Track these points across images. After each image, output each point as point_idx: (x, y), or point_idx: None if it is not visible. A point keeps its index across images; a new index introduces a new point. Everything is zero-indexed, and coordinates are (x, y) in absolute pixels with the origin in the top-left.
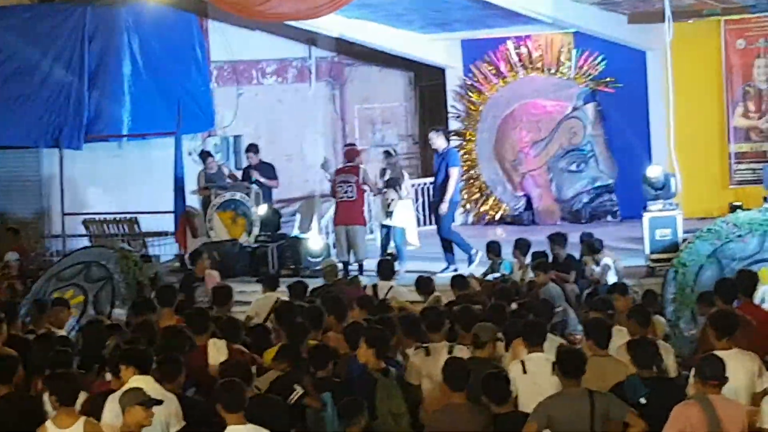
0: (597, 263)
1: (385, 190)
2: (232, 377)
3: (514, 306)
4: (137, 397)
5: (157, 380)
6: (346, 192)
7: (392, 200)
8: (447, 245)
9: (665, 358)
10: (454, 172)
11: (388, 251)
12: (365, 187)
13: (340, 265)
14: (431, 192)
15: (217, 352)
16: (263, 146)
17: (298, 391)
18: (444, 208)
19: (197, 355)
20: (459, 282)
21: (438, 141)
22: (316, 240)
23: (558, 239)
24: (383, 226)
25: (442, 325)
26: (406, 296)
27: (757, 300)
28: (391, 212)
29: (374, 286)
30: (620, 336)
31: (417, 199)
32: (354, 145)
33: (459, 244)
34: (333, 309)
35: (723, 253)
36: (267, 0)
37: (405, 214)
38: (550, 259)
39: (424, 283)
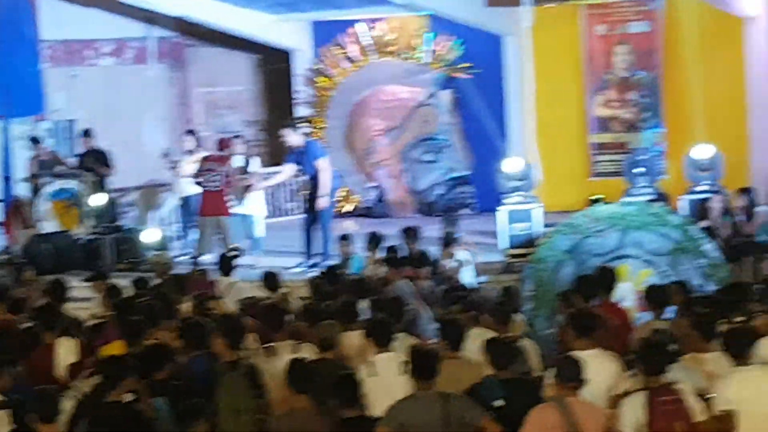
0: (452, 258)
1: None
2: None
3: (365, 303)
4: None
5: None
6: (212, 181)
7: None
8: (309, 239)
9: (530, 358)
10: (325, 164)
11: (233, 245)
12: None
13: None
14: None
15: (66, 351)
16: (99, 132)
17: (128, 396)
18: (324, 202)
19: (42, 354)
20: (332, 276)
21: (292, 138)
22: (153, 233)
23: (410, 233)
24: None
25: (283, 323)
26: (248, 293)
27: (617, 298)
28: (242, 199)
29: (213, 283)
30: (481, 336)
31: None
32: (193, 132)
33: (327, 242)
34: (163, 306)
35: (582, 248)
36: None
37: (259, 201)
38: (405, 253)
39: (271, 279)
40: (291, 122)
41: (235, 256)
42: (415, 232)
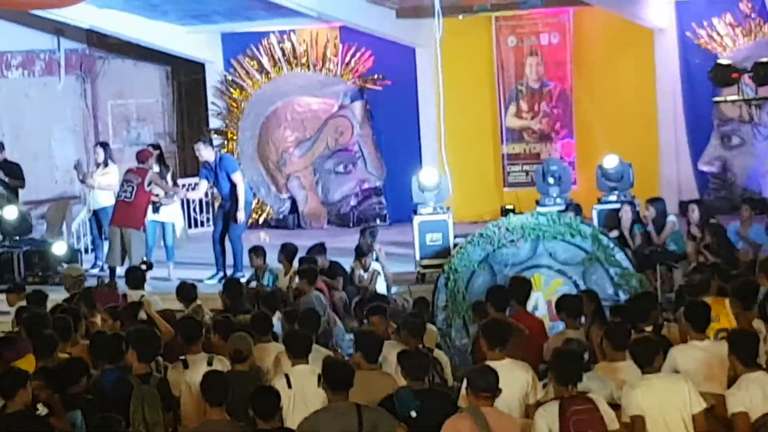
0: (365, 269)
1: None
2: None
3: (278, 315)
4: None
5: None
6: (125, 191)
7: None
8: (222, 251)
9: (445, 368)
10: (239, 178)
11: (144, 259)
12: (155, 190)
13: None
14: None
15: None
16: (8, 144)
17: (41, 410)
18: (241, 216)
19: None
20: (233, 288)
21: (206, 152)
22: (61, 245)
23: (317, 249)
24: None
25: (199, 335)
26: (159, 306)
27: (530, 307)
28: (158, 207)
29: (124, 296)
30: (395, 348)
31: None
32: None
33: (236, 255)
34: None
35: (495, 258)
36: None
37: (172, 208)
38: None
39: (186, 291)
40: (204, 137)
41: (146, 269)
42: (321, 246)
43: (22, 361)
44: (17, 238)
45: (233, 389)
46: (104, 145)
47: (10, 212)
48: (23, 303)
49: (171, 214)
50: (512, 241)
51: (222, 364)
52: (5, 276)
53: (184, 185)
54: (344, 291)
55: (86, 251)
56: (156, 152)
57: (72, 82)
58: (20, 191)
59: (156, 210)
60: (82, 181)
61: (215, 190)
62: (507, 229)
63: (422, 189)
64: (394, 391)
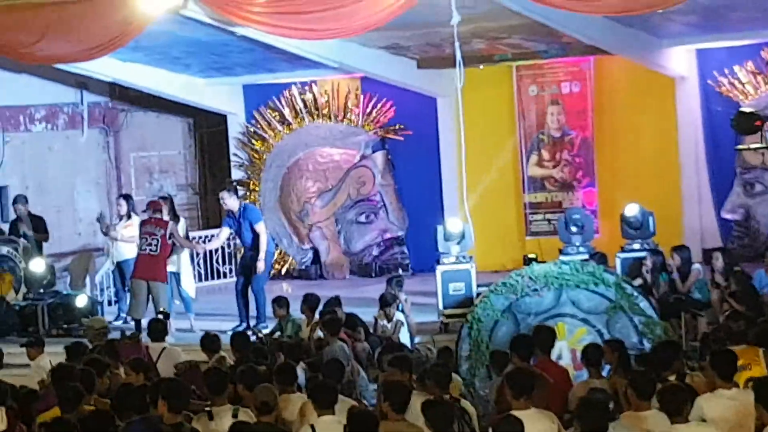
0: (389, 319)
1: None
2: None
3: (302, 366)
4: None
5: None
6: (150, 244)
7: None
8: (245, 302)
9: (472, 418)
10: (262, 228)
11: (161, 309)
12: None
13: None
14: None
15: None
16: (32, 197)
17: None
18: (261, 266)
19: None
20: (241, 340)
21: (230, 201)
22: (83, 298)
23: (333, 302)
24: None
25: (225, 387)
26: (181, 358)
27: (554, 356)
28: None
29: (146, 348)
30: (420, 398)
31: (197, 254)
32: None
33: (260, 306)
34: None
35: (519, 307)
36: (34, 42)
37: (184, 258)
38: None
39: (210, 342)
40: (230, 185)
41: (165, 320)
42: (337, 300)
43: (49, 413)
44: (41, 290)
45: None
46: (127, 198)
47: (37, 265)
48: (44, 356)
49: (177, 265)
50: (535, 290)
51: (247, 415)
52: (30, 328)
53: (200, 238)
54: (366, 341)
55: (109, 303)
56: (166, 203)
57: (95, 135)
58: (44, 244)
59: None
60: (105, 234)
61: (238, 241)
62: (530, 278)
63: (448, 238)
64: None
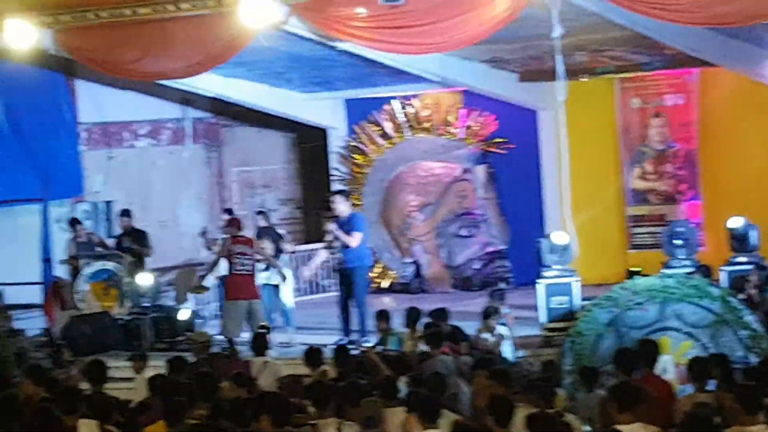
0: (491, 332)
1: (263, 243)
2: None
3: (404, 380)
4: None
5: None
6: (245, 265)
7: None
8: (347, 316)
9: None
10: (358, 237)
11: (262, 323)
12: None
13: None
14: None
15: None
16: (136, 212)
17: None
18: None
19: None
20: (343, 354)
21: (342, 206)
22: (185, 312)
23: (440, 314)
24: (264, 286)
25: (329, 400)
26: (282, 372)
27: (658, 370)
28: (269, 266)
29: (247, 363)
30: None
31: (298, 267)
32: (231, 211)
33: (362, 319)
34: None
35: (622, 321)
36: (138, 59)
37: (288, 274)
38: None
39: (314, 356)
40: (344, 191)
41: (266, 334)
42: (444, 312)
43: (154, 427)
44: (145, 305)
45: None
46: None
47: (145, 279)
48: (148, 370)
49: (288, 278)
50: (639, 303)
51: (351, 429)
52: (134, 342)
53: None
54: (469, 355)
55: (213, 317)
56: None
57: (198, 150)
58: (147, 258)
59: (267, 269)
60: (209, 249)
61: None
62: (633, 292)
63: (546, 251)
64: None
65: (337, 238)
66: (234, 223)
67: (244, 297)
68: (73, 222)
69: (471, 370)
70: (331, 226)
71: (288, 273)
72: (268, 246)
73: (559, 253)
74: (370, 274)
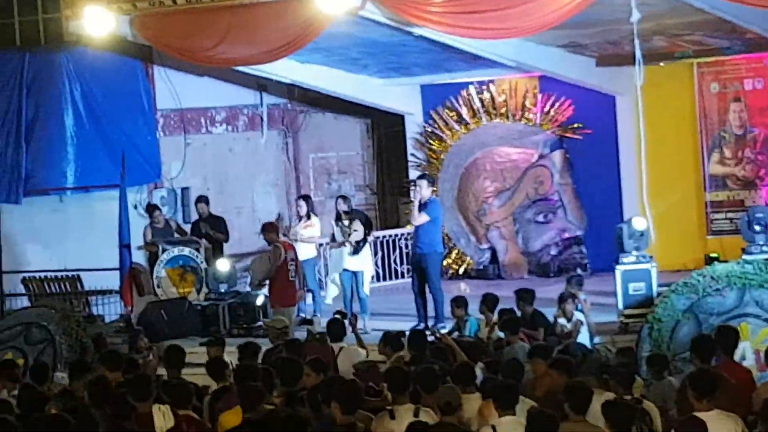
0: (568, 318)
1: (347, 223)
2: None
3: (481, 366)
4: None
5: None
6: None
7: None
8: (422, 302)
9: (655, 419)
10: (421, 219)
11: (338, 309)
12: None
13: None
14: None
15: (162, 418)
16: (212, 198)
17: None
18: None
19: (141, 423)
20: (418, 339)
21: (425, 190)
22: (262, 297)
23: (525, 295)
24: (344, 271)
25: (407, 386)
26: (362, 357)
27: (737, 357)
28: (359, 250)
29: (324, 348)
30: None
31: (376, 253)
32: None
33: (438, 305)
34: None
35: (700, 307)
36: (215, 45)
37: (370, 258)
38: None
39: (394, 340)
40: (429, 176)
41: (342, 320)
42: (530, 294)
43: (230, 413)
44: (223, 291)
45: None
46: (306, 198)
47: (223, 265)
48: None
49: (363, 263)
50: (717, 289)
51: (428, 415)
52: (211, 328)
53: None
54: (545, 341)
55: None
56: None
57: (274, 137)
58: (224, 244)
59: (356, 252)
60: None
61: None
62: (712, 278)
63: (623, 237)
64: None
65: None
66: (272, 228)
67: (292, 304)
68: (152, 208)
69: (528, 358)
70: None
71: (370, 261)
72: (359, 228)
73: (637, 239)
74: (447, 261)
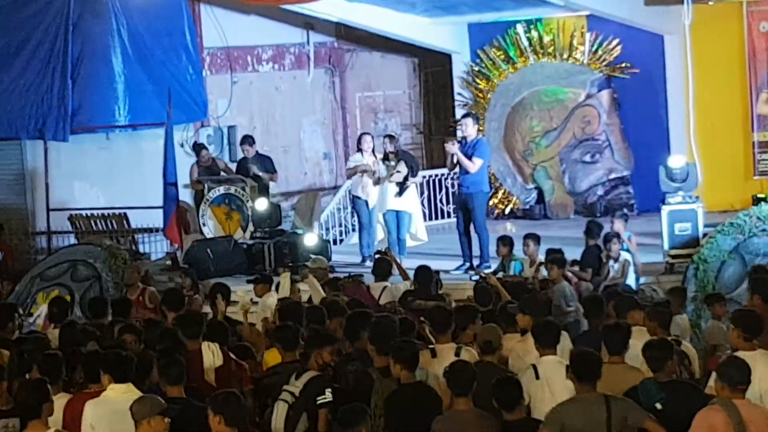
0: (615, 259)
1: (393, 164)
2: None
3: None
4: (157, 406)
5: (160, 384)
6: None
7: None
8: (468, 240)
9: (693, 361)
10: (478, 163)
11: (378, 248)
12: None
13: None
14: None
15: (212, 356)
16: (259, 137)
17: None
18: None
19: (191, 359)
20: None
21: (471, 129)
22: (312, 237)
23: (594, 227)
24: (388, 211)
25: (449, 325)
26: (400, 293)
27: None
28: (404, 190)
29: (368, 287)
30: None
31: (422, 193)
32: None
33: (483, 245)
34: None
35: (746, 248)
36: None
37: (416, 199)
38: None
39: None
40: (476, 116)
41: (387, 259)
42: (598, 226)
43: (271, 351)
44: (267, 229)
45: (480, 380)
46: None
47: (261, 204)
48: (271, 294)
49: (407, 204)
50: (764, 230)
51: (470, 354)
52: (257, 267)
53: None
54: (591, 282)
55: (334, 242)
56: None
57: (321, 75)
58: (271, 183)
59: (400, 193)
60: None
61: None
62: (758, 218)
63: (670, 177)
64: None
65: (458, 162)
66: None
67: None
68: (198, 146)
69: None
70: (453, 148)
71: (415, 201)
72: (403, 169)
73: (680, 178)
74: (493, 200)
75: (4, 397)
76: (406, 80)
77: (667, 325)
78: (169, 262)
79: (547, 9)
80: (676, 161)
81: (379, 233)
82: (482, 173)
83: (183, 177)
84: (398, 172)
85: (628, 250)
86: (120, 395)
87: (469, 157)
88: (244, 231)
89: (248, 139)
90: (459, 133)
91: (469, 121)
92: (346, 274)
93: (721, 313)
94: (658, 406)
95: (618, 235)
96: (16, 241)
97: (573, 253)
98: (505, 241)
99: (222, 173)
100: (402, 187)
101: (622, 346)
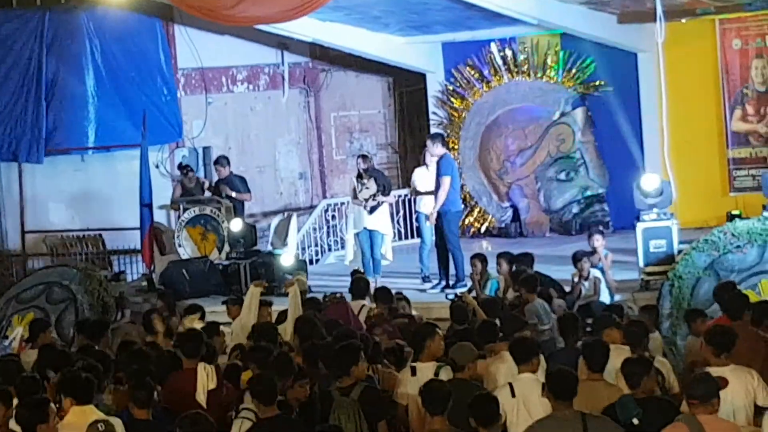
0: (584, 277)
1: (365, 182)
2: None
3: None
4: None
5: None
6: None
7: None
8: (443, 259)
9: (667, 376)
10: (445, 182)
11: (356, 268)
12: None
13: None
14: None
15: (206, 378)
16: (234, 157)
17: None
18: (432, 219)
19: (185, 378)
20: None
21: (432, 149)
22: (288, 257)
23: (524, 259)
24: (363, 229)
25: (425, 344)
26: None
27: None
28: (375, 209)
29: (345, 306)
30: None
31: (397, 212)
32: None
33: (458, 264)
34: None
35: (721, 264)
36: (236, 3)
37: (387, 219)
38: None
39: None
40: (440, 135)
41: (365, 279)
42: (529, 257)
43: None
44: (242, 250)
45: (455, 398)
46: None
47: (236, 225)
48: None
49: (378, 223)
50: (738, 246)
51: (447, 373)
52: (233, 287)
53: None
54: (563, 299)
55: (311, 262)
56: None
57: (295, 95)
58: (246, 203)
59: (371, 211)
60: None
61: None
62: (733, 235)
63: (644, 195)
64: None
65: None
66: None
67: None
68: (185, 168)
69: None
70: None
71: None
72: (372, 186)
73: (653, 196)
74: (468, 219)
75: None
76: (380, 100)
77: (641, 342)
78: (145, 284)
79: (521, 28)
80: (649, 181)
81: (350, 253)
82: (451, 192)
83: (159, 198)
84: (367, 188)
85: (600, 268)
86: (80, 420)
87: (437, 177)
88: (220, 252)
89: (221, 160)
90: (427, 156)
91: (429, 142)
92: (327, 294)
93: (703, 329)
94: (635, 421)
95: (586, 254)
96: None
97: (548, 270)
98: (480, 258)
99: (207, 193)
100: (369, 204)
101: (603, 364)
